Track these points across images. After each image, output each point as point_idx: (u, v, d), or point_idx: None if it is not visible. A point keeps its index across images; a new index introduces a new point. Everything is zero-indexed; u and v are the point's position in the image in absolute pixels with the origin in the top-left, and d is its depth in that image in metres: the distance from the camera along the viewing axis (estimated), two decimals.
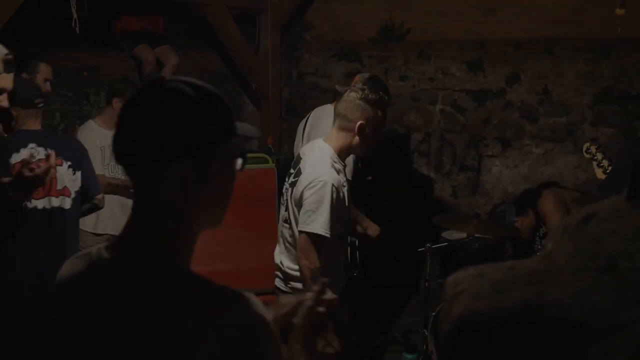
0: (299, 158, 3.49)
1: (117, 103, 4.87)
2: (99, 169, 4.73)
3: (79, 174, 3.87)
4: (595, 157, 4.30)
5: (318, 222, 3.21)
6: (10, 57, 2.79)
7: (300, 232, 3.28)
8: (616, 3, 5.00)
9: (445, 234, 5.28)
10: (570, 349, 0.97)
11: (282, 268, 3.59)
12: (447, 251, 5.02)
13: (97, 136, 4.84)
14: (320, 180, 3.23)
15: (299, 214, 3.31)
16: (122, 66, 6.02)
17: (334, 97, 4.88)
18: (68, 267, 1.57)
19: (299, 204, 3.32)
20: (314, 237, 3.23)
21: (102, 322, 1.43)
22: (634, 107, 5.60)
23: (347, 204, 3.39)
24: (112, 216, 4.83)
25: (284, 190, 3.57)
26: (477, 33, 6.17)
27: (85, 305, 1.47)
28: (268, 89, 6.33)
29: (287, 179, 3.54)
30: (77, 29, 4.76)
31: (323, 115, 4.65)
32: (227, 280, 5.22)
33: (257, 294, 5.14)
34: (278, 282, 3.63)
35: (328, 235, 3.22)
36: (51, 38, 5.50)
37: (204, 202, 1.53)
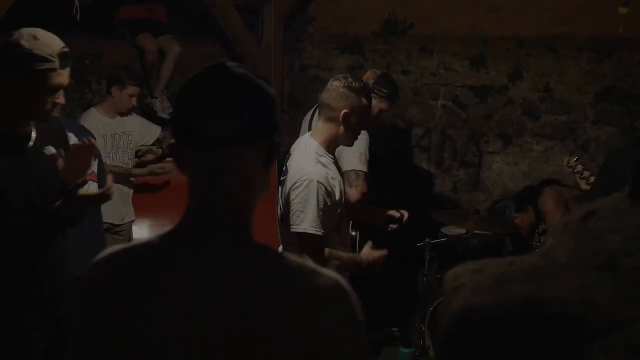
0: (289, 155, 3.45)
1: (116, 92, 4.85)
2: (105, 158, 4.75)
3: (96, 161, 3.86)
4: (577, 171, 4.33)
5: (307, 222, 3.16)
6: (66, 50, 2.67)
7: (295, 233, 3.24)
8: (619, 2, 5.00)
9: (445, 230, 5.28)
10: (569, 345, 0.98)
11: None
12: (446, 247, 5.02)
13: (100, 124, 4.83)
14: (305, 179, 3.18)
15: (289, 213, 3.27)
16: (124, 55, 6.01)
17: None
18: (111, 267, 1.48)
19: (287, 204, 3.28)
20: (306, 237, 3.19)
21: (202, 314, 1.35)
22: (636, 106, 5.60)
23: (339, 196, 3.34)
24: (112, 205, 4.83)
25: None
26: (480, 29, 6.17)
27: (172, 301, 1.37)
28: (270, 81, 6.34)
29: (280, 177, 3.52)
30: (78, 16, 4.75)
31: None
32: None
33: None
34: None
35: (319, 233, 3.18)
36: (53, 26, 5.48)
37: (263, 185, 1.53)
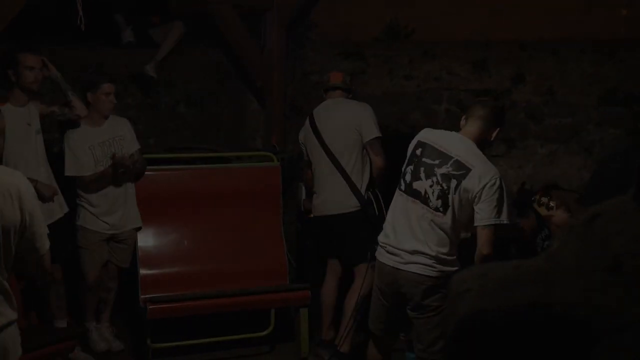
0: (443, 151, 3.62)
1: (91, 97, 4.72)
2: (91, 169, 4.70)
3: None
4: (533, 198, 4.30)
5: (505, 214, 3.55)
6: None
7: (487, 225, 3.54)
8: (621, 4, 5.01)
9: None
10: (576, 347, 0.98)
11: (431, 253, 3.61)
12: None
13: (84, 137, 4.73)
14: (497, 177, 3.54)
15: (467, 205, 3.53)
16: (126, 63, 6.01)
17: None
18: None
19: (471, 198, 3.52)
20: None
21: None
22: (639, 108, 5.59)
23: None
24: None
25: (430, 182, 3.60)
26: (483, 33, 6.17)
27: None
28: (273, 87, 6.33)
29: (435, 169, 3.59)
30: (83, 26, 4.74)
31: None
32: (232, 279, 5.25)
33: (261, 292, 5.15)
34: (420, 268, 3.61)
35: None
36: (55, 35, 5.49)
37: None
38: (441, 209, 3.57)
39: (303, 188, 5.28)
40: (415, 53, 6.53)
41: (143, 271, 4.77)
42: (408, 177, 3.68)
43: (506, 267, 1.18)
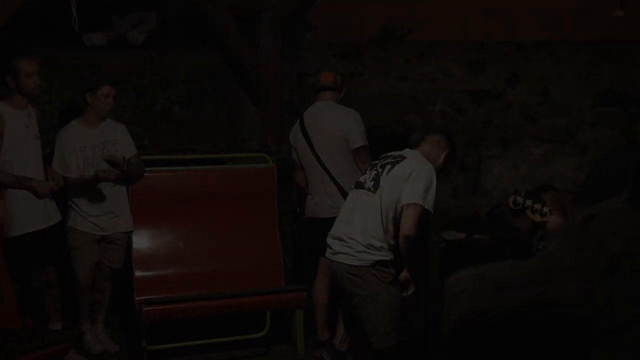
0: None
1: (90, 97, 4.72)
2: (77, 171, 4.69)
3: None
4: (527, 205, 4.29)
5: (429, 201, 3.77)
6: None
7: (410, 204, 3.74)
8: (616, 5, 5.01)
9: (445, 234, 5.27)
10: (572, 348, 0.97)
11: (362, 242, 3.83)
12: (446, 251, 5.02)
13: (76, 137, 4.71)
14: (429, 169, 3.83)
15: (396, 187, 3.78)
16: (123, 64, 5.99)
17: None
18: None
19: (401, 178, 3.79)
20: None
21: None
22: (634, 108, 5.61)
23: None
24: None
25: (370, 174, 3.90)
26: (478, 34, 6.17)
27: None
28: (268, 88, 6.32)
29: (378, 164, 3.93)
30: (77, 27, 4.72)
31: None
32: (227, 281, 5.25)
33: (256, 294, 5.14)
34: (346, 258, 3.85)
35: None
36: (52, 36, 5.48)
37: None
38: (372, 189, 3.80)
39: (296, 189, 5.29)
40: (411, 54, 6.53)
41: (138, 273, 4.76)
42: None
43: (503, 268, 1.18)
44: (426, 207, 3.70)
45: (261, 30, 6.36)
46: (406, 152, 3.93)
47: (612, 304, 0.99)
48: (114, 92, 4.81)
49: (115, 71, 5.66)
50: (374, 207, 3.76)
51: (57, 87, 5.47)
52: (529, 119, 6.08)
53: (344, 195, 4.60)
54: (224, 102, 6.25)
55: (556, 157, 5.95)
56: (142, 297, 4.58)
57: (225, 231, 5.06)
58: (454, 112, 6.40)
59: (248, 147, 6.12)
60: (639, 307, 0.98)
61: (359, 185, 3.92)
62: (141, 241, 4.90)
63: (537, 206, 3.99)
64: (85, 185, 4.72)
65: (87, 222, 4.76)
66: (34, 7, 5.18)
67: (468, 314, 1.12)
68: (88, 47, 5.83)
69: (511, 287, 1.10)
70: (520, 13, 5.92)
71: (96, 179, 4.68)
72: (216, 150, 5.57)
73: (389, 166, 3.83)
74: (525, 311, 1.04)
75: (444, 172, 4.02)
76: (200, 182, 5.11)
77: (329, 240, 3.94)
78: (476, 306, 1.11)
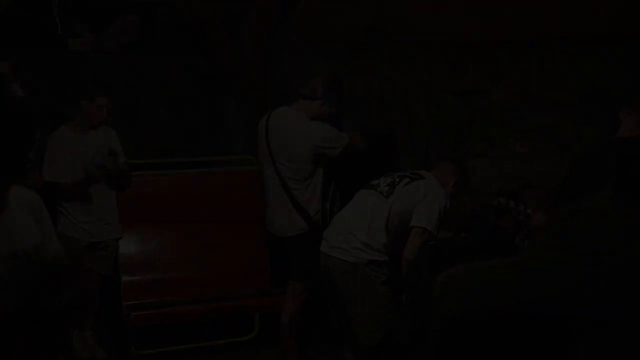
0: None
1: (84, 104, 4.70)
2: (68, 176, 4.66)
3: None
4: (510, 205, 4.33)
5: (435, 226, 3.96)
6: None
7: (416, 227, 3.86)
8: (599, 1, 5.04)
9: None
10: (557, 342, 0.98)
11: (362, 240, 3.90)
12: (432, 250, 5.03)
13: (66, 142, 4.71)
14: (444, 198, 4.03)
15: (409, 203, 3.88)
16: (111, 69, 5.97)
17: None
18: None
19: (414, 198, 3.91)
20: None
21: None
22: (619, 105, 5.63)
23: None
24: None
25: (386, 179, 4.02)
26: (462, 33, 6.18)
27: None
28: (253, 89, 6.32)
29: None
30: (60, 31, 4.71)
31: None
32: (215, 284, 5.24)
33: (244, 297, 5.12)
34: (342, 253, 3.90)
35: None
36: (40, 41, 5.46)
37: None
38: (385, 193, 3.89)
39: None
40: (395, 54, 6.54)
41: (125, 278, 4.74)
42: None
43: (488, 267, 1.18)
44: (432, 233, 3.86)
45: (245, 31, 6.36)
46: (423, 173, 4.06)
47: (594, 300, 0.99)
48: (107, 102, 4.81)
49: (99, 75, 5.65)
50: (383, 209, 3.84)
51: (45, 91, 5.43)
52: (513, 117, 6.10)
53: (301, 212, 4.28)
54: (209, 104, 6.25)
55: (542, 155, 5.97)
56: (129, 302, 4.57)
57: (212, 234, 5.05)
58: (438, 111, 6.41)
59: (233, 150, 6.12)
60: (622, 301, 0.98)
61: (371, 187, 3.99)
62: (128, 246, 4.89)
63: (520, 208, 4.04)
64: (76, 191, 4.69)
65: (78, 228, 4.74)
66: (16, 11, 5.16)
67: (455, 312, 1.12)
68: (72, 51, 5.81)
69: (497, 284, 1.10)
70: (501, 11, 5.94)
71: (86, 178, 4.65)
72: (201, 153, 5.55)
73: (407, 179, 3.95)
74: (510, 307, 1.05)
75: (454, 195, 4.15)
76: (186, 186, 5.11)
77: (327, 233, 3.96)
78: (464, 304, 1.11)
